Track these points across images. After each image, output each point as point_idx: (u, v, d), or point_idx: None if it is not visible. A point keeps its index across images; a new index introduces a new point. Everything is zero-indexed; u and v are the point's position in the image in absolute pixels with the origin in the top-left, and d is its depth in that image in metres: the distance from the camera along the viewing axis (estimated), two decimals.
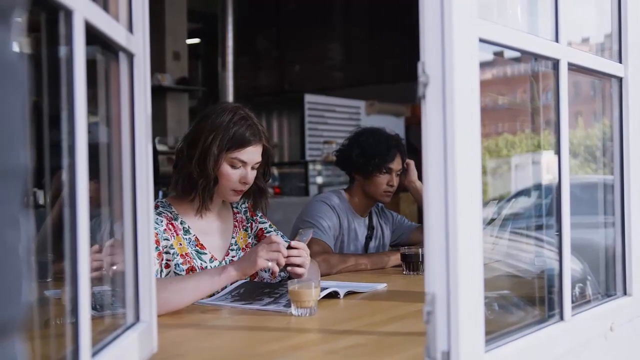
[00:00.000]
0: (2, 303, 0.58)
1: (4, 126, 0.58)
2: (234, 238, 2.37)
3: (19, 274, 0.60)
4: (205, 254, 2.26)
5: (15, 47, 0.62)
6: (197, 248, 2.24)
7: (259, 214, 2.49)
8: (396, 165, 3.06)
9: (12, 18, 0.62)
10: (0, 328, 0.58)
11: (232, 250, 2.35)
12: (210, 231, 2.31)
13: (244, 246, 2.39)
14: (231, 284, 2.17)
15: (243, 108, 2.28)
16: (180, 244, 2.20)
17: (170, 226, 2.21)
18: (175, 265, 2.17)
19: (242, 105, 2.33)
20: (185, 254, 2.20)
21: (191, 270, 2.18)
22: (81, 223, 1.00)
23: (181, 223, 2.25)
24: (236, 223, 2.41)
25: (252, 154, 2.25)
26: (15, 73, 0.60)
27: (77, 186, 0.99)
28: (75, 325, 0.99)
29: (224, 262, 2.28)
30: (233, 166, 2.23)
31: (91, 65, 1.08)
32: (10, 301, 0.59)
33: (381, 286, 2.39)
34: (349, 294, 2.21)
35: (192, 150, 2.22)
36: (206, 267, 2.23)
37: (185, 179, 2.23)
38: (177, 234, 2.22)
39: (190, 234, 2.25)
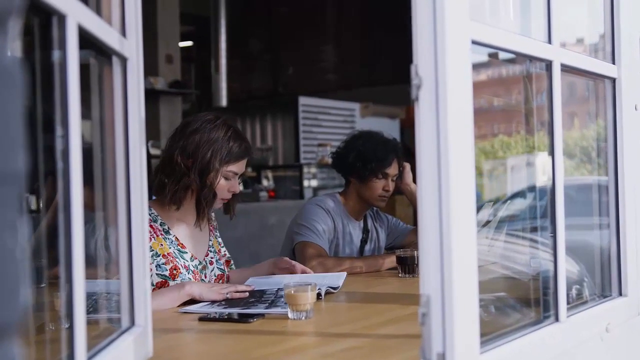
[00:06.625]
0: (1, 306, 0.59)
1: (2, 131, 0.59)
2: (210, 241, 2.50)
3: (17, 277, 0.60)
4: (186, 252, 2.36)
5: (12, 52, 0.63)
6: (179, 247, 2.35)
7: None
8: (392, 170, 3.05)
9: (9, 23, 0.62)
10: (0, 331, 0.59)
11: (210, 251, 2.48)
12: (189, 234, 2.41)
13: (218, 249, 2.53)
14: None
15: (230, 120, 2.40)
16: (162, 245, 2.29)
17: (149, 228, 2.26)
18: (156, 266, 2.25)
19: (226, 116, 2.42)
20: (167, 253, 2.29)
21: (174, 269, 2.28)
22: (75, 227, 1.00)
23: (161, 224, 2.34)
24: (212, 228, 2.54)
25: (244, 166, 2.40)
26: (12, 78, 0.61)
27: (71, 191, 0.99)
28: (71, 330, 0.99)
29: (204, 262, 2.42)
30: (226, 178, 2.35)
31: (84, 69, 1.08)
32: (9, 304, 0.60)
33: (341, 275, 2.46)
34: (328, 294, 2.24)
35: (188, 161, 2.29)
36: (188, 265, 2.33)
37: (183, 190, 2.31)
38: (158, 235, 2.30)
39: (170, 234, 2.34)
